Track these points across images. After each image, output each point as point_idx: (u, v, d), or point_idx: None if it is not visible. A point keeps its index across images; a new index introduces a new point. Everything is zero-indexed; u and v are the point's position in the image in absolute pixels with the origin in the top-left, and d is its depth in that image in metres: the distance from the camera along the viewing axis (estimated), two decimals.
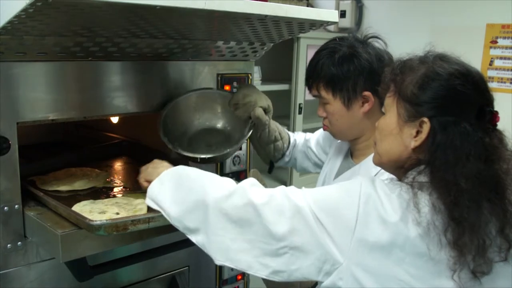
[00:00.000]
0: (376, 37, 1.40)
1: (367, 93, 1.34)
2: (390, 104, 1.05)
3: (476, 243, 0.90)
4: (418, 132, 0.99)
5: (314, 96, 1.43)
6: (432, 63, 1.01)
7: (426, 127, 0.97)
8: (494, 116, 0.98)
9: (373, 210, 0.94)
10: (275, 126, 1.63)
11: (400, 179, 1.04)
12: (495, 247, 0.93)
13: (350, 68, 1.33)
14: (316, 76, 1.38)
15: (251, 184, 1.07)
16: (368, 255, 0.94)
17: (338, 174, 1.47)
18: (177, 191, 1.11)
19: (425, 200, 0.93)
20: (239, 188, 1.05)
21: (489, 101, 1.00)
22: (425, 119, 0.97)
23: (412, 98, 1.00)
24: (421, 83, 0.99)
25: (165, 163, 1.23)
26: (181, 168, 1.18)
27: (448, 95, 0.97)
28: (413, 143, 1.00)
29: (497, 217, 0.93)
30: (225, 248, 1.03)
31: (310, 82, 1.41)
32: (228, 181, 1.10)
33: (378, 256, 0.93)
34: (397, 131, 1.02)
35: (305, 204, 0.98)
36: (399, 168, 1.05)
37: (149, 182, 1.18)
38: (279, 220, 0.98)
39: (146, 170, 1.24)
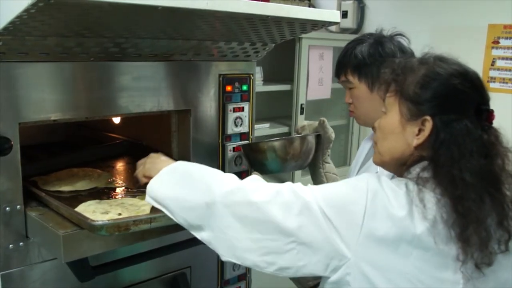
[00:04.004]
0: (401, 34, 1.53)
1: None
2: (392, 103, 1.07)
3: (480, 235, 0.93)
4: (420, 130, 1.01)
5: (342, 82, 1.56)
6: (432, 63, 1.05)
7: (429, 125, 1.00)
8: (490, 114, 1.02)
9: (380, 206, 0.95)
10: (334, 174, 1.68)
11: (401, 176, 1.06)
12: (495, 240, 0.96)
13: (376, 55, 1.46)
14: (345, 62, 1.52)
15: (252, 180, 1.07)
16: (375, 250, 0.95)
17: (367, 158, 1.58)
18: (180, 188, 1.11)
19: (429, 195, 0.95)
20: (240, 186, 1.05)
21: (486, 99, 1.04)
22: (428, 118, 1.00)
23: (414, 97, 1.02)
24: (422, 82, 1.02)
25: (164, 158, 1.23)
26: (181, 164, 1.17)
27: (449, 94, 1.00)
28: (416, 141, 1.02)
29: (496, 210, 0.97)
30: (231, 246, 1.03)
31: (339, 68, 1.55)
32: (231, 177, 1.10)
33: (386, 251, 0.94)
34: (400, 130, 1.04)
35: (313, 200, 0.98)
36: (401, 166, 1.06)
37: (148, 178, 1.17)
38: (286, 216, 0.98)
39: (144, 165, 1.23)
